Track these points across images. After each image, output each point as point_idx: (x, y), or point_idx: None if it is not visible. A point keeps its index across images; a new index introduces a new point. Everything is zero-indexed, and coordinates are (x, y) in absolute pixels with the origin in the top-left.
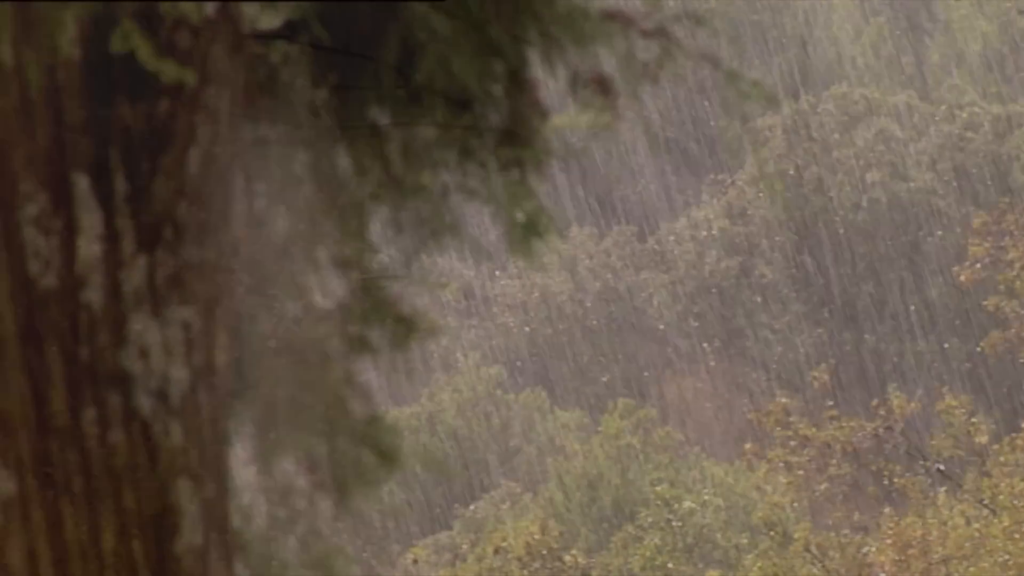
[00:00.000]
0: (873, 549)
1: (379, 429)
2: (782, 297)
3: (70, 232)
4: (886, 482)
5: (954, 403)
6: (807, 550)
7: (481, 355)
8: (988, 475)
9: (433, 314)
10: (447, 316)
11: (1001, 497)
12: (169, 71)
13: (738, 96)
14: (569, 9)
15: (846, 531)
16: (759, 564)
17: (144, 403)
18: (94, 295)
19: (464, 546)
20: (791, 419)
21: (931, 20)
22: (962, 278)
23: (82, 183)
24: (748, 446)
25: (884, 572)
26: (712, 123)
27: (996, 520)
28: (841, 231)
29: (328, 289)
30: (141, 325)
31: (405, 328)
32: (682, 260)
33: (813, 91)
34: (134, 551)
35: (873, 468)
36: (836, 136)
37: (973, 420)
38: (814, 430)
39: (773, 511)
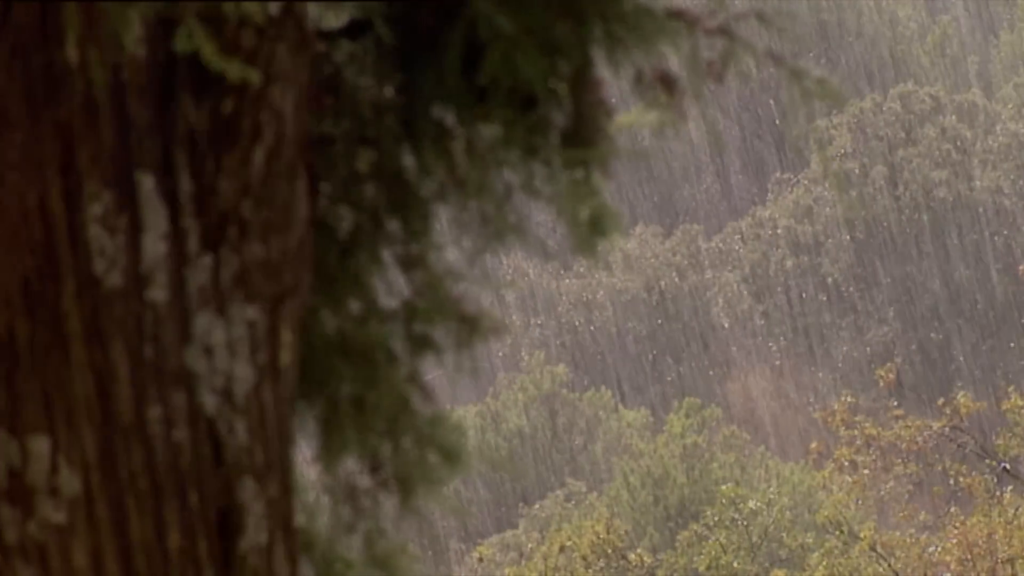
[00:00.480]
0: (939, 548)
1: (444, 428)
2: (848, 296)
3: (135, 231)
4: (952, 481)
5: (1020, 402)
6: (873, 549)
7: (546, 354)
8: None
9: (498, 313)
10: (512, 315)
11: None
12: (233, 71)
13: (803, 94)
14: (634, 8)
15: (911, 530)
16: (824, 563)
17: (209, 401)
18: (159, 293)
19: (530, 545)
20: (857, 418)
21: (997, 18)
22: None
23: (147, 182)
24: (814, 445)
25: (950, 571)
26: (777, 122)
27: None
28: (907, 230)
29: (393, 288)
30: (206, 323)
31: (470, 327)
32: (747, 259)
33: (878, 90)
34: (199, 549)
35: (939, 467)
36: (902, 135)
37: None
38: (880, 429)
39: (839, 510)
